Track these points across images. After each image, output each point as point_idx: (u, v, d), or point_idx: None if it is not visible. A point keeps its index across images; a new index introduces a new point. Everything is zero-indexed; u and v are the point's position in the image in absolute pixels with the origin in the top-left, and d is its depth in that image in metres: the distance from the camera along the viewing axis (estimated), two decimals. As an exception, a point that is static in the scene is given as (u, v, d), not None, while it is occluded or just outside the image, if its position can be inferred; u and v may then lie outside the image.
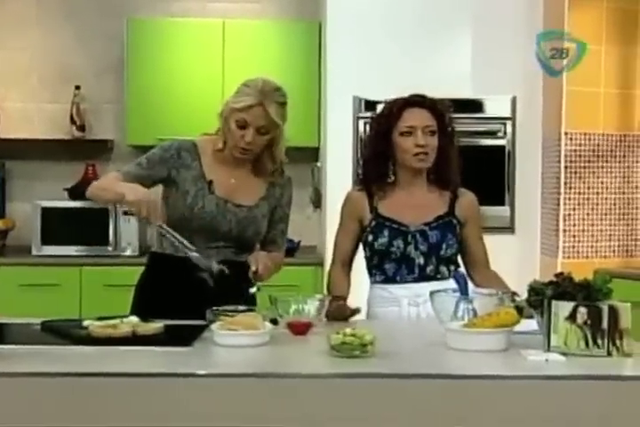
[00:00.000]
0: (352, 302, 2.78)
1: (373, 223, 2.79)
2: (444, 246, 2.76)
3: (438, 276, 2.75)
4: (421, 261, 2.76)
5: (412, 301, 2.71)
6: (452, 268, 2.78)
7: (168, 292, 2.72)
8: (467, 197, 2.86)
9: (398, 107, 2.77)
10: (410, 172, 2.79)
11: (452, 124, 2.82)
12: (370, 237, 2.79)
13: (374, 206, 2.80)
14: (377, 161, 2.82)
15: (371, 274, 2.84)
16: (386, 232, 2.76)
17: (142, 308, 2.67)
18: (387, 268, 2.78)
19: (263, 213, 2.79)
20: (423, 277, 2.74)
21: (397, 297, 2.75)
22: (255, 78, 2.72)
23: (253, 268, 2.59)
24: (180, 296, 2.67)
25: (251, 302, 2.57)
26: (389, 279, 2.78)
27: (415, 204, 2.80)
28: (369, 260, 2.84)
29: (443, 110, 2.80)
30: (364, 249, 2.84)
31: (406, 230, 2.76)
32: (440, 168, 2.81)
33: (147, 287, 2.82)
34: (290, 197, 2.89)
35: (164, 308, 2.56)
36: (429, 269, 2.76)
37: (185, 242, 2.59)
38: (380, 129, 2.80)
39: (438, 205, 2.81)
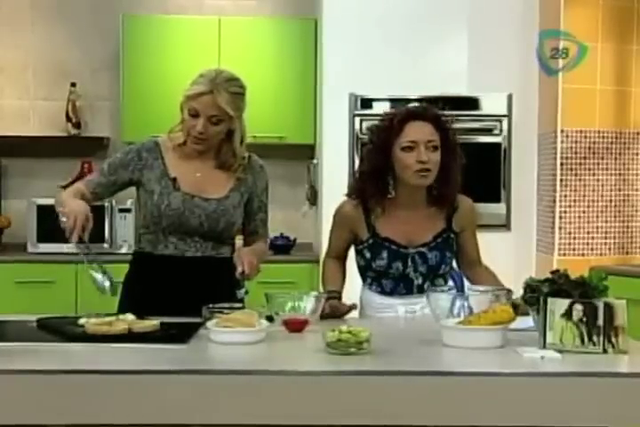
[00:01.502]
0: (353, 296, 2.79)
1: (371, 241, 2.72)
2: (442, 266, 2.73)
3: (434, 288, 2.71)
4: (420, 281, 2.71)
5: (410, 308, 2.69)
6: (447, 276, 2.77)
7: (152, 290, 2.70)
8: (464, 206, 2.78)
9: (399, 120, 2.62)
10: (410, 188, 2.68)
11: (456, 139, 2.71)
12: (368, 255, 2.72)
13: (372, 224, 2.72)
14: (376, 176, 2.68)
15: (364, 280, 2.80)
16: (384, 254, 2.70)
17: (129, 307, 2.65)
18: (384, 283, 2.74)
19: (234, 203, 2.75)
20: (420, 293, 2.69)
21: (394, 304, 2.72)
22: (211, 68, 2.70)
23: (240, 269, 2.57)
24: (165, 294, 2.66)
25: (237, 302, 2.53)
26: (386, 293, 2.75)
27: (414, 222, 2.72)
28: (364, 270, 2.78)
29: (446, 124, 2.67)
30: (359, 258, 2.78)
31: (405, 252, 2.70)
32: (441, 184, 2.69)
33: (131, 286, 2.79)
34: (265, 184, 2.84)
35: (150, 306, 2.55)
36: (426, 285, 2.71)
37: (95, 264, 2.57)
38: (380, 143, 2.65)
39: (436, 221, 2.74)
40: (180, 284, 2.69)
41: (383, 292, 2.75)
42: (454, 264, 2.83)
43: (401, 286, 2.72)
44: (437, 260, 2.71)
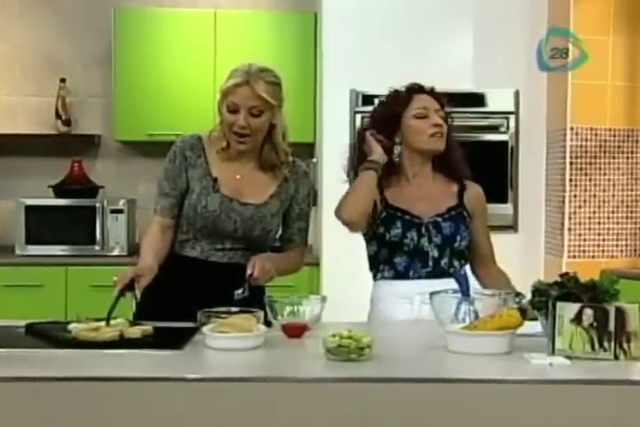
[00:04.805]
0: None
1: (384, 214, 2.77)
2: (458, 238, 2.77)
3: (452, 270, 2.74)
4: (435, 253, 2.76)
5: (425, 297, 2.69)
6: (464, 262, 2.79)
7: (171, 291, 2.67)
8: (474, 190, 2.88)
9: (407, 92, 2.84)
10: (418, 159, 2.81)
11: (451, 117, 2.89)
12: (381, 229, 2.77)
13: (384, 197, 2.80)
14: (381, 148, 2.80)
15: (377, 270, 2.82)
16: (399, 223, 2.76)
17: (145, 306, 2.65)
18: (397, 262, 2.77)
19: (272, 211, 2.76)
20: (437, 272, 2.74)
21: (409, 294, 2.72)
22: (243, 63, 2.72)
23: (249, 271, 2.57)
24: (183, 297, 2.63)
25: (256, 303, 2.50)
26: (400, 275, 2.77)
27: (424, 195, 2.81)
28: (376, 254, 2.81)
29: (444, 102, 2.87)
30: (370, 244, 2.82)
31: (419, 222, 2.77)
32: (445, 157, 2.83)
33: (150, 285, 2.66)
34: (308, 192, 2.85)
35: (165, 308, 2.56)
36: (443, 262, 2.76)
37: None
38: (388, 114, 2.83)
39: (447, 196, 2.84)
40: (198, 288, 2.66)
41: (397, 274, 2.77)
42: (466, 269, 2.85)
43: (416, 261, 2.76)
44: (452, 230, 2.77)
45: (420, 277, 2.75)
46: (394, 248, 2.77)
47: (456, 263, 2.77)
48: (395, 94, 2.86)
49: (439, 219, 2.78)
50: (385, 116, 2.83)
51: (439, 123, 2.78)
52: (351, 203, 2.72)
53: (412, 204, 2.79)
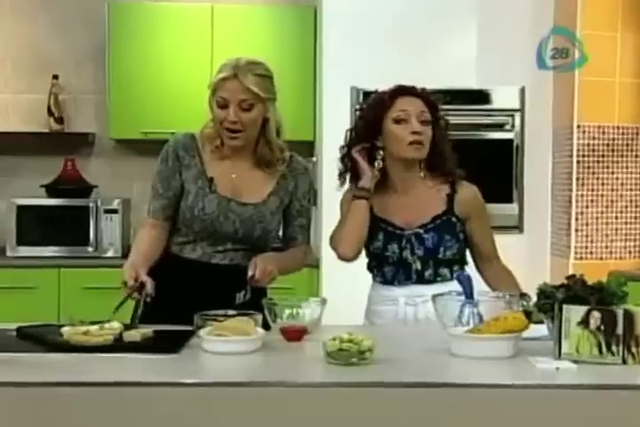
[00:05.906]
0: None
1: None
2: (441, 250, 2.76)
3: (438, 279, 2.76)
4: (418, 266, 2.76)
5: (411, 300, 2.73)
6: (456, 268, 2.78)
7: (172, 294, 2.66)
8: (466, 192, 2.83)
9: (390, 94, 2.78)
10: (402, 165, 2.78)
11: (444, 117, 2.84)
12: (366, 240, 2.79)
13: (370, 206, 2.79)
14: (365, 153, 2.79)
15: (372, 272, 2.86)
16: (380, 236, 2.77)
17: (147, 314, 2.64)
18: (385, 271, 2.80)
19: (272, 209, 2.76)
20: (422, 282, 2.76)
21: (395, 296, 2.76)
22: (232, 57, 2.72)
23: (250, 272, 2.57)
24: (184, 300, 2.61)
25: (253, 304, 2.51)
26: (388, 282, 2.80)
27: (410, 203, 2.79)
28: (369, 261, 2.86)
29: (435, 101, 2.81)
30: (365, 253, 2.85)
31: (401, 234, 2.76)
32: (434, 161, 2.79)
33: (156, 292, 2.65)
34: (308, 188, 2.84)
35: (166, 310, 2.56)
36: (427, 273, 2.76)
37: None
38: (370, 118, 2.79)
39: (435, 202, 2.80)
40: (200, 290, 2.65)
41: (385, 281, 2.80)
42: (468, 269, 2.85)
43: (400, 272, 2.77)
44: (435, 241, 2.75)
45: (406, 285, 2.77)
46: (379, 259, 2.79)
47: (444, 271, 2.77)
48: (378, 97, 2.82)
49: (421, 230, 2.76)
50: (367, 119, 2.81)
51: (418, 130, 2.71)
52: (345, 239, 2.77)
53: (397, 214, 2.78)
